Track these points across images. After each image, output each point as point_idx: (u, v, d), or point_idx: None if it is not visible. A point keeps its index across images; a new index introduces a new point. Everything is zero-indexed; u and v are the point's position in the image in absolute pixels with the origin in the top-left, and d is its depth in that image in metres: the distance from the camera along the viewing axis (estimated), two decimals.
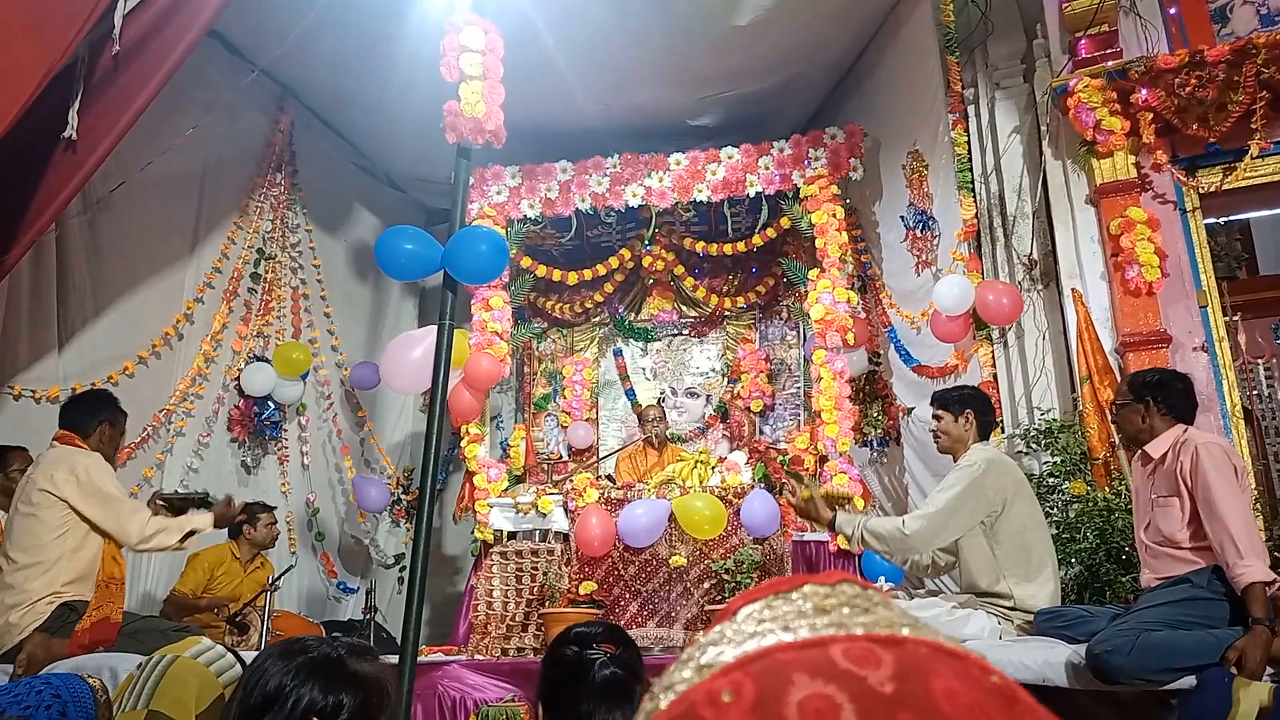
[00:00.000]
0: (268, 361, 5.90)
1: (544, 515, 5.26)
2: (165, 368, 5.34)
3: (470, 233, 3.57)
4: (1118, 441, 4.15)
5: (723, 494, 5.05)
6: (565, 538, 5.21)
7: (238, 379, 5.78)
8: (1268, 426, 5.70)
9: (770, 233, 6.08)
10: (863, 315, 5.94)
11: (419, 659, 3.53)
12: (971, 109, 5.24)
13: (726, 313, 6.92)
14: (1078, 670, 2.96)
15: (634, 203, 5.90)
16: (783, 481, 5.62)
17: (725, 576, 4.83)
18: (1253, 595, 2.80)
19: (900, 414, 5.70)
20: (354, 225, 7.07)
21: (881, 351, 6.01)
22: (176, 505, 4.07)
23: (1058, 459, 4.32)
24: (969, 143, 5.11)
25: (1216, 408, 4.18)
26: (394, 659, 3.00)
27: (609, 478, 6.07)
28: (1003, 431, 4.86)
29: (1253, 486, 3.54)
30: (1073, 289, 4.56)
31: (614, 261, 6.52)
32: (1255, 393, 5.60)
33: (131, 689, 1.86)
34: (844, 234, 5.59)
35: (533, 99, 5.01)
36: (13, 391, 4.47)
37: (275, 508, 5.42)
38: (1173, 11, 4.56)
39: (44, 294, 4.64)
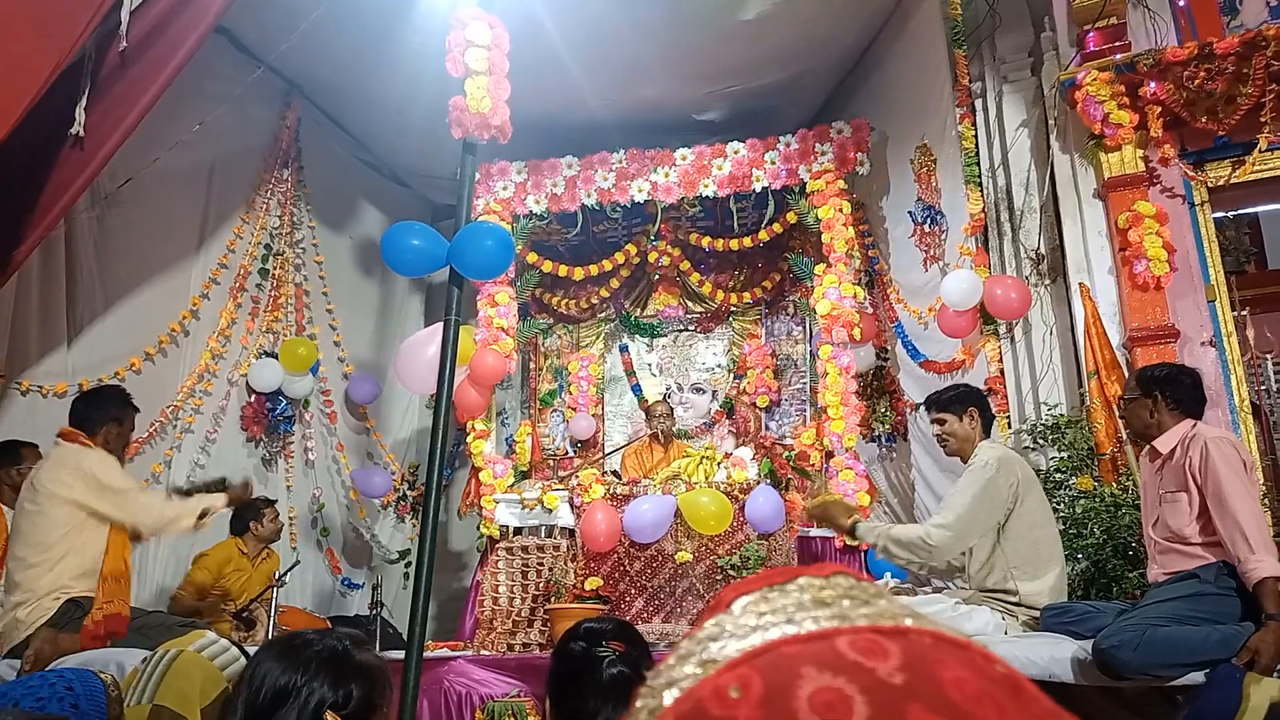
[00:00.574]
0: (275, 357, 5.91)
1: (550, 511, 5.27)
2: (173, 364, 5.35)
3: (476, 228, 3.57)
4: (1125, 437, 4.13)
5: (728, 489, 5.05)
6: (571, 533, 5.21)
7: (245, 375, 5.80)
8: (1276, 421, 5.68)
9: (776, 228, 6.07)
10: (870, 310, 5.93)
11: (425, 654, 3.54)
12: (979, 103, 5.22)
13: (732, 308, 6.91)
14: (1084, 666, 2.95)
15: (640, 198, 5.90)
16: (788, 478, 5.62)
17: (731, 572, 4.83)
18: (1265, 590, 2.79)
19: (908, 409, 5.68)
20: (360, 221, 7.08)
21: (889, 347, 6.00)
22: (192, 495, 4.10)
23: (1065, 454, 4.31)
24: (976, 137, 5.08)
25: (1225, 402, 4.16)
26: (400, 655, 3.01)
27: (615, 473, 6.07)
28: (1010, 427, 4.85)
29: (1260, 481, 3.52)
30: (1080, 283, 4.54)
31: (620, 257, 6.52)
32: (1263, 387, 5.58)
33: (136, 684, 1.87)
34: (850, 229, 5.58)
35: (538, 94, 5.00)
36: (21, 387, 4.49)
37: (276, 501, 5.45)
38: (1181, 3, 4.53)
39: (53, 290, 4.66)
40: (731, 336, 6.99)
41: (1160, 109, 4.33)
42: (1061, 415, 4.46)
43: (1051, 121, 4.84)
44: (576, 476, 5.41)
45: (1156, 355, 4.12)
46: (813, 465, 5.55)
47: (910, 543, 3.42)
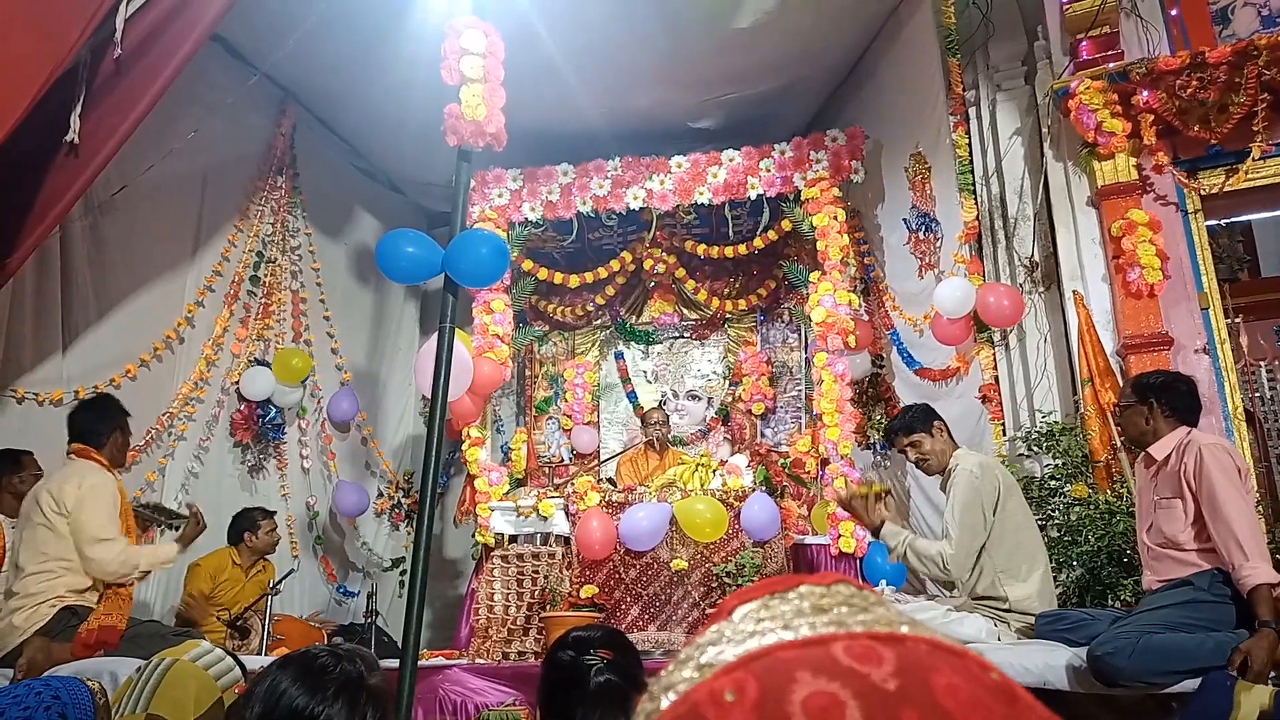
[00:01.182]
0: (267, 365, 5.90)
1: (545, 519, 5.26)
2: (167, 371, 5.34)
3: (471, 236, 3.58)
4: (1119, 444, 4.14)
5: (724, 497, 5.04)
6: (566, 541, 5.20)
7: (238, 383, 5.78)
8: (1269, 428, 5.69)
9: (771, 235, 6.08)
10: (866, 318, 5.94)
11: (420, 663, 3.53)
12: (973, 111, 5.25)
13: (728, 315, 6.92)
14: (1079, 673, 2.95)
15: (635, 205, 5.90)
16: (783, 485, 5.61)
17: (726, 580, 4.83)
18: (1259, 597, 2.79)
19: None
20: (355, 228, 7.08)
21: (884, 354, 6.01)
22: (146, 517, 4.09)
23: (1059, 461, 4.31)
24: (970, 144, 5.11)
25: (1218, 410, 4.17)
26: (395, 663, 3.00)
27: (610, 481, 6.07)
28: (1004, 434, 4.85)
29: (1254, 489, 3.53)
30: (1074, 291, 4.55)
31: (615, 264, 6.53)
32: (1257, 395, 5.60)
33: (130, 692, 1.86)
34: (845, 236, 5.59)
35: (534, 102, 5.01)
36: (16, 394, 4.48)
37: (275, 513, 5.41)
38: (1174, 13, 4.56)
39: (48, 297, 4.65)
40: (727, 344, 7.00)
41: (1153, 117, 4.35)
42: (1056, 422, 4.47)
43: (1045, 129, 4.86)
44: (572, 484, 5.40)
45: (1150, 363, 4.13)
46: (808, 472, 5.55)
47: (930, 558, 3.45)
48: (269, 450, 6.09)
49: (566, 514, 5.24)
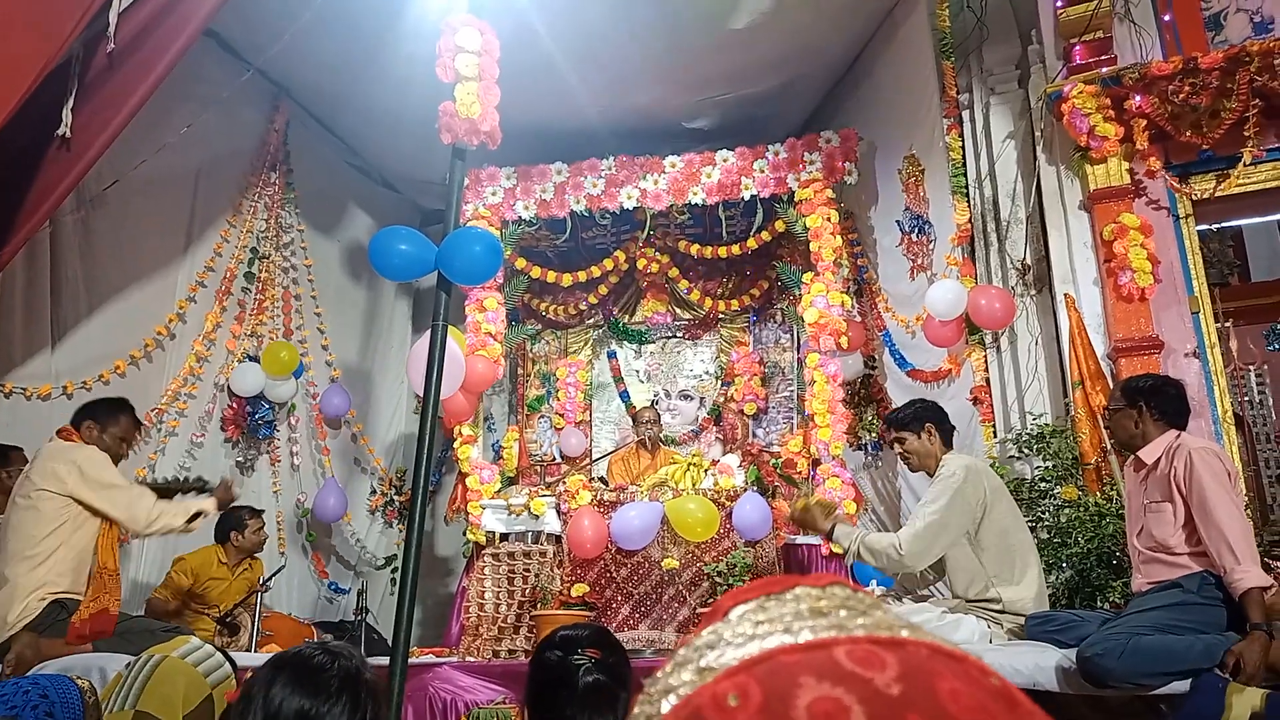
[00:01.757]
0: (258, 361, 5.88)
1: (536, 517, 5.26)
2: (158, 367, 5.32)
3: (465, 234, 3.57)
4: (1109, 447, 4.16)
5: (715, 497, 5.05)
6: (557, 540, 5.20)
7: (228, 379, 5.76)
8: (1259, 432, 5.72)
9: (765, 236, 6.09)
10: (858, 319, 5.95)
11: (410, 660, 3.52)
12: (966, 114, 5.26)
13: (721, 316, 6.92)
14: (1068, 674, 2.96)
15: (629, 205, 5.90)
16: (775, 485, 5.63)
17: (718, 579, 4.83)
18: (1251, 600, 2.81)
19: None
20: (348, 225, 7.06)
21: (877, 355, 6.02)
22: (170, 492, 4.11)
23: (1050, 464, 4.33)
24: (964, 147, 5.12)
25: (1208, 413, 4.19)
26: (385, 660, 3.00)
27: (602, 480, 6.07)
28: (995, 436, 4.87)
29: (1243, 492, 3.55)
30: (1065, 294, 4.57)
31: (608, 264, 6.53)
32: (1246, 398, 5.63)
33: (119, 689, 1.86)
34: (838, 238, 5.60)
35: (529, 100, 5.01)
36: (4, 389, 4.46)
37: (263, 511, 5.38)
38: (1167, 18, 4.58)
39: (37, 292, 4.62)
40: (719, 344, 7.00)
41: (1145, 122, 4.37)
42: (1046, 425, 4.48)
43: (1038, 133, 4.88)
44: (563, 482, 5.40)
45: (1140, 366, 4.15)
46: (799, 473, 5.56)
47: (882, 550, 3.47)
48: (260, 447, 6.07)
49: (558, 512, 5.24)
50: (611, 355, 7.11)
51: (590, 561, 5.03)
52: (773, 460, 5.95)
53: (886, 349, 5.81)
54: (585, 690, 1.67)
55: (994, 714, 0.35)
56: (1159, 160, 4.42)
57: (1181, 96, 4.25)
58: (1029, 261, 4.89)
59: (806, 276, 5.57)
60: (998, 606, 3.47)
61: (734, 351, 6.88)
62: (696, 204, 5.88)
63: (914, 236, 5.54)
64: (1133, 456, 3.29)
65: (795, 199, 5.71)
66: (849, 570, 4.97)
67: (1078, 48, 4.60)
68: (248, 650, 4.27)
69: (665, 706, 0.38)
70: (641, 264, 6.58)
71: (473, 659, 4.68)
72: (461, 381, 5.24)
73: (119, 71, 3.96)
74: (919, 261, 5.50)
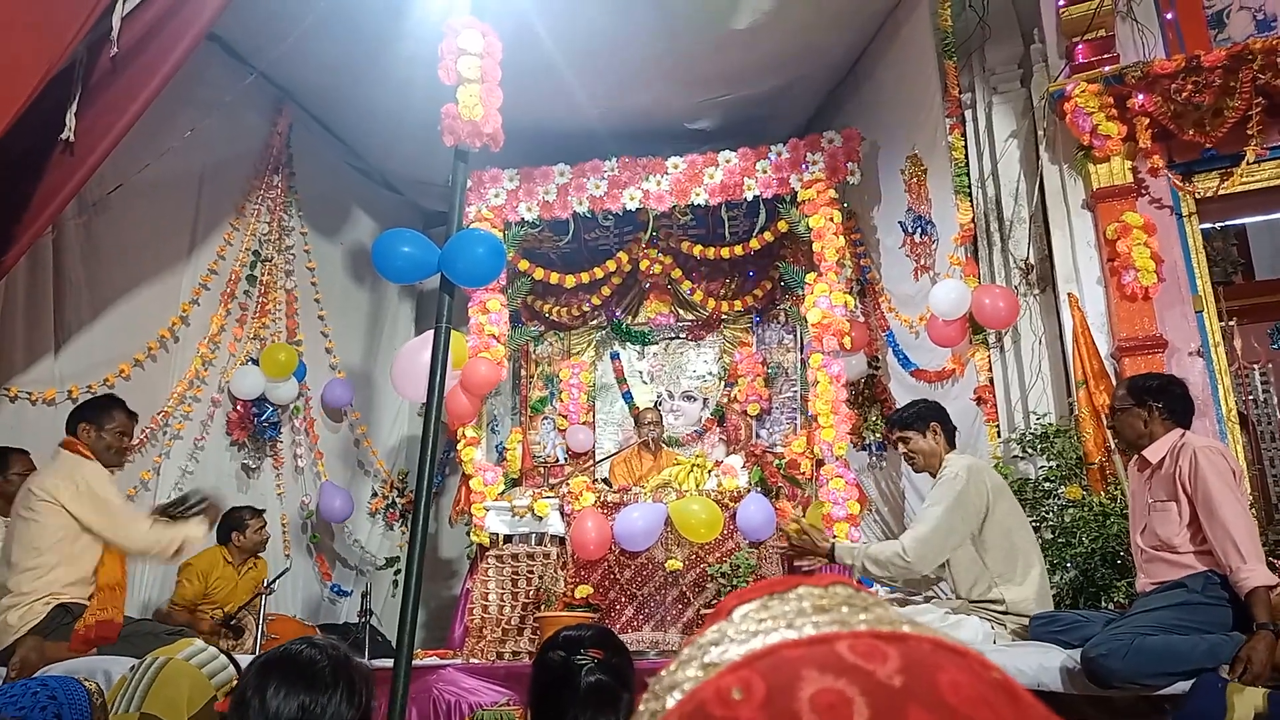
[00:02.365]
0: (258, 364, 5.89)
1: (540, 519, 5.26)
2: (162, 370, 5.33)
3: (467, 235, 3.57)
4: (1113, 446, 4.15)
5: (719, 498, 5.05)
6: (561, 541, 5.20)
7: (230, 382, 5.78)
8: (1263, 431, 5.71)
9: (768, 236, 6.09)
10: (861, 319, 5.95)
11: (414, 662, 3.53)
12: (969, 113, 5.25)
13: (724, 316, 6.92)
14: (1072, 675, 2.96)
15: (631, 206, 5.91)
16: (779, 486, 5.62)
17: (721, 580, 4.83)
18: (1257, 599, 2.80)
19: None
20: (351, 228, 7.07)
21: (880, 355, 6.02)
22: (175, 515, 4.10)
23: (1053, 464, 4.32)
24: (966, 147, 5.12)
25: (1212, 412, 4.18)
26: (389, 663, 3.00)
27: (605, 481, 6.07)
28: (999, 435, 4.86)
29: (1248, 491, 3.54)
30: (1069, 294, 4.56)
31: (611, 265, 6.53)
32: (1251, 397, 5.61)
33: (124, 692, 1.86)
34: (841, 238, 5.59)
35: (531, 102, 5.01)
36: (9, 393, 4.47)
37: (264, 511, 5.40)
38: (1169, 17, 4.57)
39: (41, 296, 4.63)
40: (722, 344, 7.00)
41: (1148, 121, 4.36)
42: (1050, 424, 4.48)
43: (1041, 132, 4.87)
44: (567, 484, 5.40)
45: (1144, 365, 4.14)
46: (803, 473, 5.56)
47: (887, 560, 3.47)
48: (265, 449, 6.08)
49: (561, 514, 5.24)
50: (614, 356, 7.11)
51: (594, 563, 5.03)
52: (776, 461, 5.95)
53: (890, 349, 5.81)
54: (588, 690, 1.68)
55: (995, 706, 0.35)
56: (1162, 159, 4.41)
57: (1184, 95, 4.25)
58: (1032, 261, 4.89)
59: (809, 277, 5.57)
60: (1001, 607, 3.47)
61: (737, 352, 6.88)
62: (699, 205, 5.88)
63: (917, 237, 5.54)
64: (1137, 456, 3.28)
65: (798, 199, 5.71)
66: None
67: (1080, 46, 4.60)
68: (252, 653, 4.28)
69: (670, 701, 0.38)
70: (644, 265, 6.58)
71: (477, 661, 4.68)
72: (449, 387, 5.23)
73: (122, 76, 3.97)
74: (922, 261, 5.50)
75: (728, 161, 5.80)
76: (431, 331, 3.42)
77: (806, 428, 5.85)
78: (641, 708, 0.40)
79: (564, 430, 6.90)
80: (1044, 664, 3.02)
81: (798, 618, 0.40)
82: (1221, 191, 4.34)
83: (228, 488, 5.71)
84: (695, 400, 6.97)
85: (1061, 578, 4.04)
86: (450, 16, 3.78)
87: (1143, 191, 4.48)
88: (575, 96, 5.79)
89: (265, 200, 6.09)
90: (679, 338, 7.09)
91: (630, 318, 7.10)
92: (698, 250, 6.42)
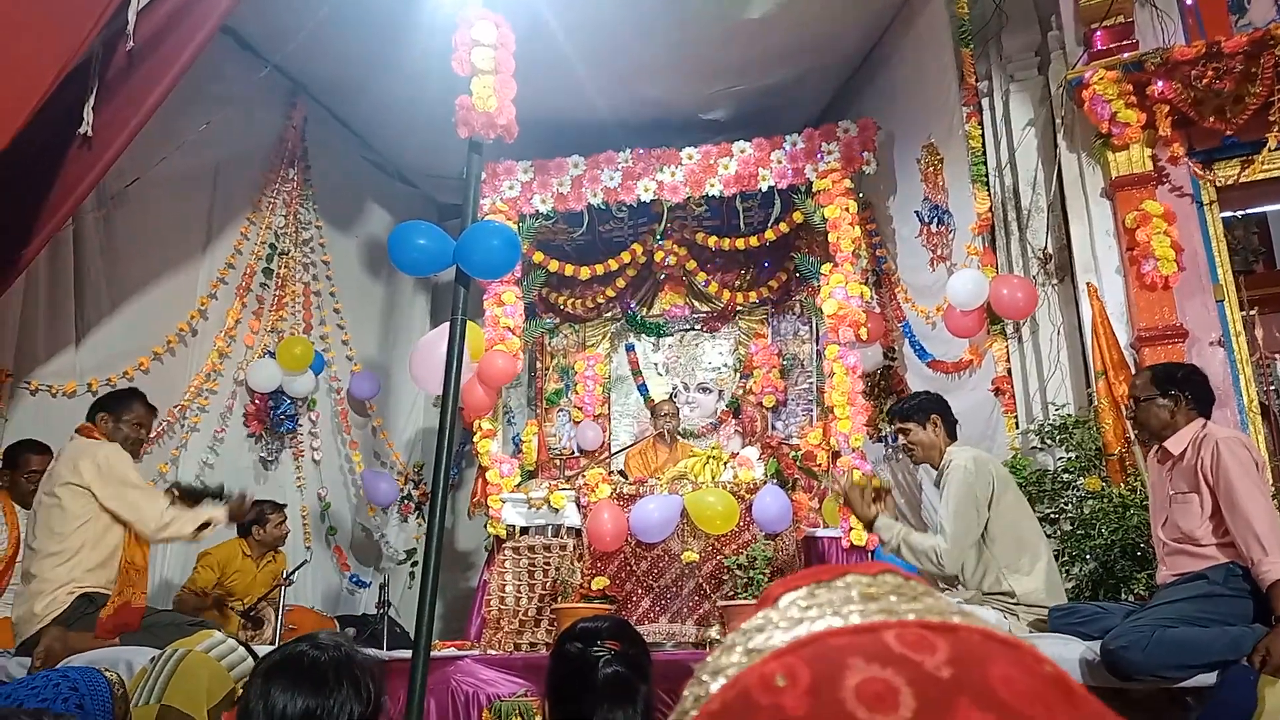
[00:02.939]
0: (275, 357, 5.93)
1: (556, 511, 5.27)
2: (180, 363, 5.37)
3: (482, 228, 3.58)
4: (1133, 437, 4.12)
5: (735, 489, 5.04)
6: (577, 533, 5.21)
7: (247, 375, 5.81)
8: None
9: (783, 227, 6.06)
10: (877, 310, 5.91)
11: (432, 654, 3.54)
12: (986, 101, 5.21)
13: (739, 308, 6.90)
14: (1092, 667, 2.94)
15: (646, 198, 5.89)
16: (795, 478, 5.61)
17: (738, 572, 4.83)
18: (1277, 593, 2.77)
19: None
20: (366, 220, 7.09)
21: (896, 346, 5.99)
22: (191, 496, 4.13)
23: (1072, 455, 4.29)
24: (983, 136, 5.08)
25: (1233, 403, 4.14)
26: (407, 654, 3.01)
27: (621, 473, 6.07)
28: (1017, 426, 4.84)
29: (1270, 482, 3.51)
30: (1088, 283, 4.53)
31: (626, 256, 6.52)
32: (1273, 388, 5.55)
33: (144, 683, 1.88)
34: (857, 228, 5.56)
35: (544, 93, 5.00)
36: (29, 386, 4.51)
37: (285, 505, 5.42)
38: (1189, 2, 4.52)
39: (61, 290, 4.67)
40: (738, 336, 6.98)
41: (1168, 108, 4.32)
42: (1069, 415, 4.45)
43: (1059, 120, 4.83)
44: (583, 476, 5.41)
45: (1164, 355, 4.11)
46: (819, 465, 5.54)
47: (924, 551, 3.46)
48: (283, 441, 6.11)
49: (578, 506, 5.25)
50: (630, 348, 7.11)
51: (610, 555, 5.04)
52: (792, 453, 5.93)
53: (906, 340, 5.78)
54: (605, 682, 1.68)
55: (1049, 702, 0.34)
56: (1182, 146, 4.37)
57: (1204, 82, 4.20)
58: (1050, 250, 4.85)
59: (825, 268, 5.55)
60: (1012, 599, 3.46)
61: (752, 344, 6.86)
62: (714, 196, 5.86)
63: (933, 226, 5.50)
64: (1158, 447, 3.25)
65: (813, 190, 5.67)
66: (872, 558, 4.96)
67: (1098, 33, 4.55)
68: (271, 644, 4.30)
69: (714, 687, 0.38)
70: (659, 257, 6.56)
71: (494, 652, 4.70)
72: (467, 378, 5.25)
73: (138, 70, 3.99)
74: (938, 252, 5.46)
75: (742, 152, 5.78)
76: (444, 324, 3.43)
77: (823, 419, 5.83)
78: (686, 692, 0.40)
79: (579, 422, 6.91)
80: (1063, 655, 3.01)
81: (844, 605, 0.39)
82: (1242, 179, 4.29)
83: (245, 480, 5.74)
84: (711, 392, 6.96)
85: (1081, 569, 4.02)
86: (463, 8, 3.78)
87: (1162, 180, 4.44)
88: (588, 88, 5.78)
89: (281, 194, 6.11)
90: (694, 329, 7.08)
91: (645, 310, 7.09)
92: (712, 241, 6.40)
